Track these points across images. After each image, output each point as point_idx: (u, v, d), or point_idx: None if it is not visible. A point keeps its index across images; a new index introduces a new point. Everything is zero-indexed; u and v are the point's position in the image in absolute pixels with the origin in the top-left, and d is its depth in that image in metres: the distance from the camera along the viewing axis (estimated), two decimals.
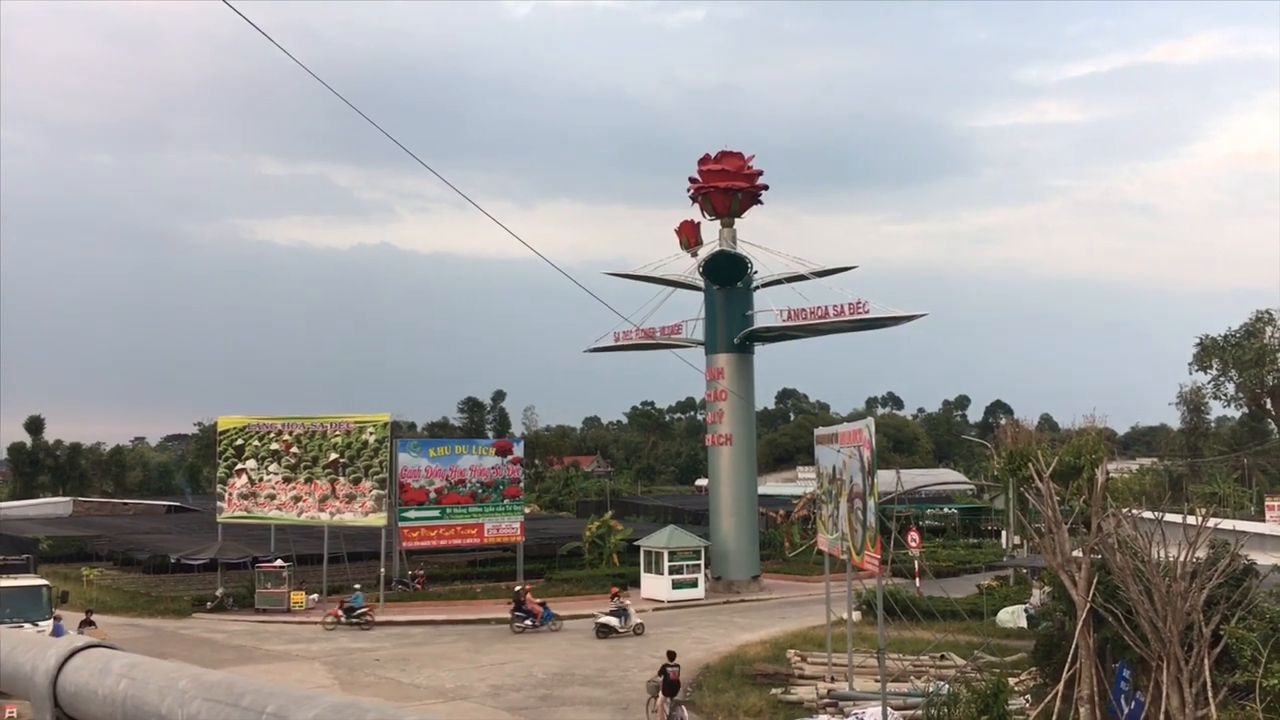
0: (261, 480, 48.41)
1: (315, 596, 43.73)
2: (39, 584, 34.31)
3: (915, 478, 74.97)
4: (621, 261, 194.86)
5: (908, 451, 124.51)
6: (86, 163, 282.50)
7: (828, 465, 29.68)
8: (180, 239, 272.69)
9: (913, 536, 46.20)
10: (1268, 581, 20.93)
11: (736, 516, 49.74)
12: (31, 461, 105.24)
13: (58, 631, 28.29)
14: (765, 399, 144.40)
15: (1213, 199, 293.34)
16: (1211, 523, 21.05)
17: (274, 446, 48.31)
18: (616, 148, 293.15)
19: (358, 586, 41.91)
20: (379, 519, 46.13)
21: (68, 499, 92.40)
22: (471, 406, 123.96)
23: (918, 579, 43.20)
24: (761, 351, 52.91)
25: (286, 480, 47.91)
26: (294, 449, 47.92)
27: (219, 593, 44.16)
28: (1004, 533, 60.83)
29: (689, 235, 52.11)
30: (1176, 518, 22.50)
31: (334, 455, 47.12)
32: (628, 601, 39.44)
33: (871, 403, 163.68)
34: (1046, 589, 31.34)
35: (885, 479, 42.32)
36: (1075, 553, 20.93)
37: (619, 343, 54.23)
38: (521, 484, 52.54)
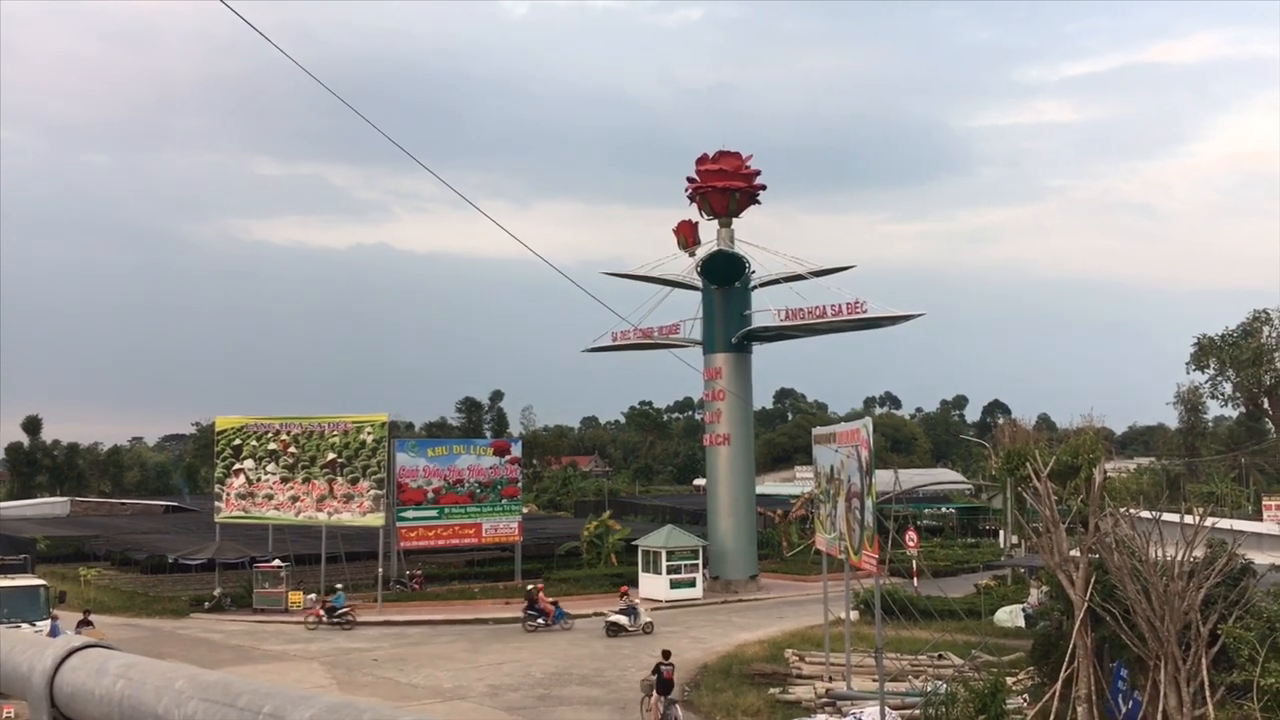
0: (259, 480, 48.40)
1: (313, 596, 43.69)
2: (36, 584, 34.33)
3: (913, 477, 74.99)
4: (619, 261, 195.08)
5: (906, 451, 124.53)
6: (83, 162, 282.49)
7: (825, 465, 29.69)
8: (177, 239, 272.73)
9: (910, 536, 46.20)
10: (1265, 581, 20.94)
11: (734, 516, 49.75)
12: (29, 461, 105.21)
13: (54, 632, 28.27)
14: (763, 398, 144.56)
15: (1210, 199, 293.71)
16: (1209, 522, 21.07)
17: (272, 446, 48.29)
18: (614, 147, 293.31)
19: (339, 586, 41.84)
20: (377, 519, 46.12)
21: (65, 499, 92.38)
22: (469, 406, 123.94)
23: (915, 578, 43.22)
24: (759, 351, 52.99)
25: (284, 480, 47.90)
26: (292, 449, 47.90)
27: (216, 593, 44.13)
28: (1002, 532, 60.88)
29: (687, 235, 52.12)
30: (1174, 517, 22.52)
31: (332, 455, 47.10)
32: (637, 600, 39.52)
33: (869, 402, 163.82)
34: (1044, 588, 31.38)
35: (883, 478, 42.29)
36: (1073, 552, 20.95)
37: (617, 342, 54.24)
38: (519, 484, 52.57)
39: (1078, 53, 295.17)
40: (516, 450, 52.93)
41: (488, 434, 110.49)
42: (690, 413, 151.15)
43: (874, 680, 25.14)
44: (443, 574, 51.03)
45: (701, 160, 52.01)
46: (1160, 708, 18.55)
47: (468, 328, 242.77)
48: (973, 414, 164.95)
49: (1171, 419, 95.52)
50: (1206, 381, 65.32)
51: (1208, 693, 18.17)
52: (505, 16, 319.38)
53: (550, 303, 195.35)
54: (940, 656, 30.58)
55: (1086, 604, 19.85)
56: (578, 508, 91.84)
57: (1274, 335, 61.30)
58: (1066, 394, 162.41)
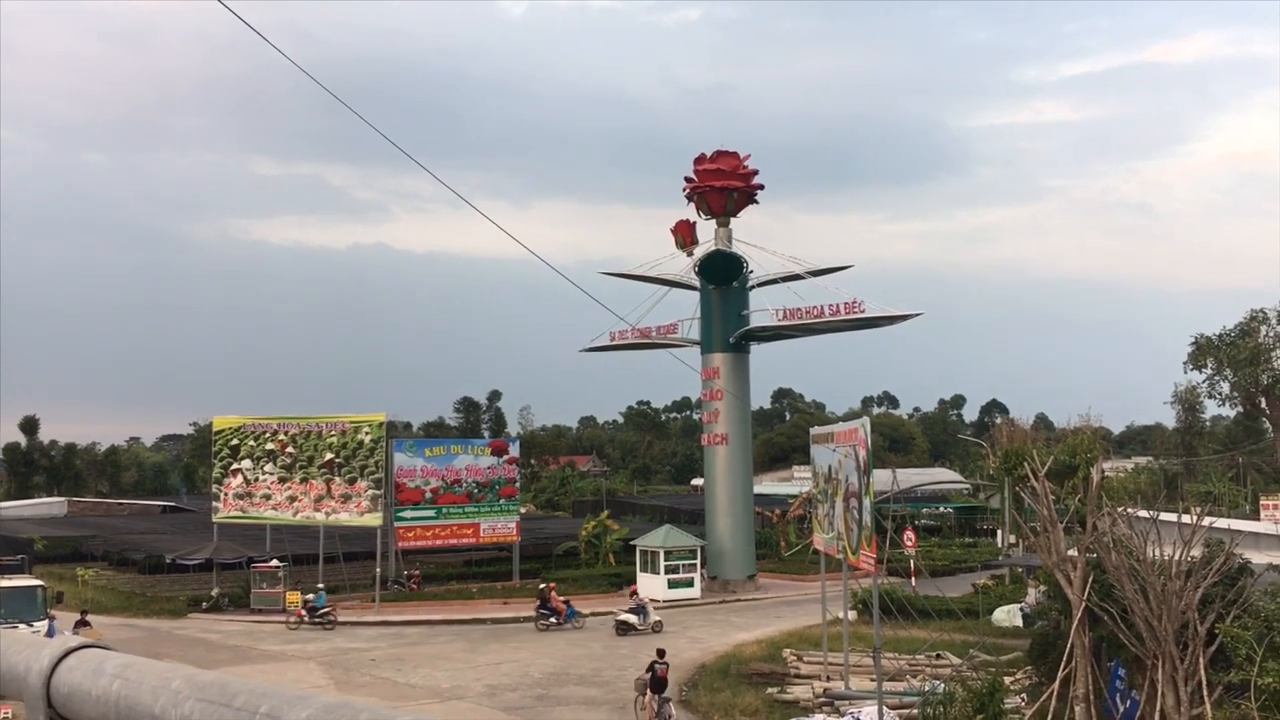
0: (257, 480, 48.36)
1: (311, 597, 43.65)
2: (34, 584, 34.32)
3: (911, 477, 74.96)
4: (618, 261, 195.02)
5: (903, 451, 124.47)
6: (82, 162, 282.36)
7: (823, 464, 29.69)
8: (176, 239, 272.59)
9: (908, 536, 46.24)
10: (1262, 580, 20.96)
11: (732, 516, 49.75)
12: (26, 461, 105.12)
13: (51, 632, 28.25)
14: (761, 398, 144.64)
15: (1209, 198, 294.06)
16: (1206, 522, 21.08)
17: (269, 446, 48.26)
18: (613, 147, 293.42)
19: (320, 586, 41.78)
20: (374, 519, 46.10)
21: (63, 499, 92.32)
22: (467, 406, 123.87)
23: (913, 578, 43.24)
24: (757, 351, 52.98)
25: (282, 480, 47.86)
26: (289, 449, 47.87)
27: (214, 593, 44.10)
28: (999, 532, 60.87)
29: (684, 235, 52.11)
30: (1171, 517, 22.54)
31: (329, 455, 47.07)
32: (647, 599, 39.63)
33: (867, 402, 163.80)
34: (1042, 588, 31.37)
35: (881, 478, 42.29)
36: (1070, 552, 20.96)
37: (615, 342, 54.23)
38: (517, 484, 52.58)
39: (1076, 52, 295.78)
40: (514, 450, 52.93)
41: (485, 434, 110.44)
42: (688, 412, 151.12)
43: (872, 680, 25.14)
44: (441, 574, 51.01)
45: (699, 160, 52.01)
46: (1158, 707, 18.56)
47: (466, 327, 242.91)
48: (970, 414, 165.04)
49: (1169, 419, 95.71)
50: (1204, 381, 65.33)
51: (1205, 692, 18.18)
52: (504, 16, 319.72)
53: (548, 303, 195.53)
54: (938, 656, 30.59)
55: (1084, 603, 19.86)
56: (576, 508, 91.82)
57: (1271, 335, 61.35)
58: (1064, 393, 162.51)
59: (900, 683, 27.61)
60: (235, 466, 48.88)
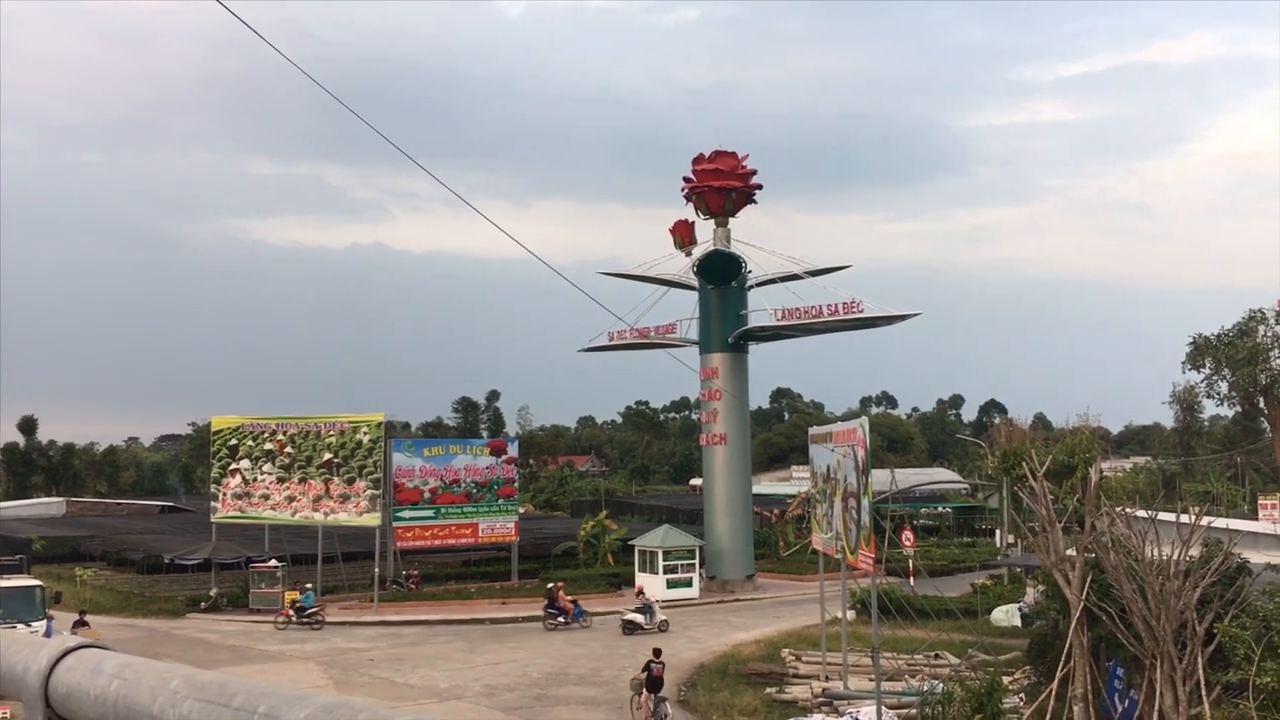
0: (255, 480, 48.34)
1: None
2: (32, 584, 34.30)
3: (909, 477, 74.96)
4: (616, 261, 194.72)
5: (902, 451, 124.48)
6: (80, 162, 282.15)
7: (822, 464, 29.70)
8: (174, 239, 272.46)
9: (907, 535, 46.22)
10: (1261, 580, 20.98)
11: (731, 516, 49.76)
12: (25, 462, 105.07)
13: (48, 632, 28.23)
14: (759, 398, 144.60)
15: (1207, 198, 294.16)
16: (1205, 521, 21.09)
17: (268, 446, 48.24)
18: (612, 147, 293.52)
19: (309, 586, 41.75)
20: (373, 519, 46.08)
21: (61, 499, 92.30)
22: (466, 406, 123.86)
23: (912, 578, 43.25)
24: (756, 351, 53.00)
25: (280, 480, 47.85)
26: (288, 449, 47.85)
27: (213, 593, 44.08)
28: (998, 532, 60.88)
29: (683, 235, 52.12)
30: (1170, 516, 22.53)
31: (328, 455, 47.06)
32: (653, 599, 39.72)
33: (865, 402, 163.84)
34: (1040, 588, 31.37)
35: (879, 478, 42.31)
36: (1069, 552, 20.96)
37: (613, 342, 54.23)
38: (516, 484, 52.56)
39: (1074, 52, 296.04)
40: (513, 450, 52.93)
41: (484, 434, 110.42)
42: (687, 412, 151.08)
43: (870, 680, 25.15)
44: (439, 574, 51.01)
45: (698, 160, 52.02)
46: (1156, 706, 18.57)
47: (464, 327, 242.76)
48: (969, 413, 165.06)
49: (1167, 418, 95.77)
50: (1202, 381, 65.14)
51: (1204, 691, 18.19)
52: (502, 16, 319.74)
53: (547, 303, 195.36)
54: (937, 656, 30.60)
55: (1083, 603, 19.87)
56: (574, 508, 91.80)
57: (1270, 335, 61.37)
58: (1063, 393, 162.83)
59: (899, 682, 27.61)
60: (234, 466, 48.87)
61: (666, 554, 46.33)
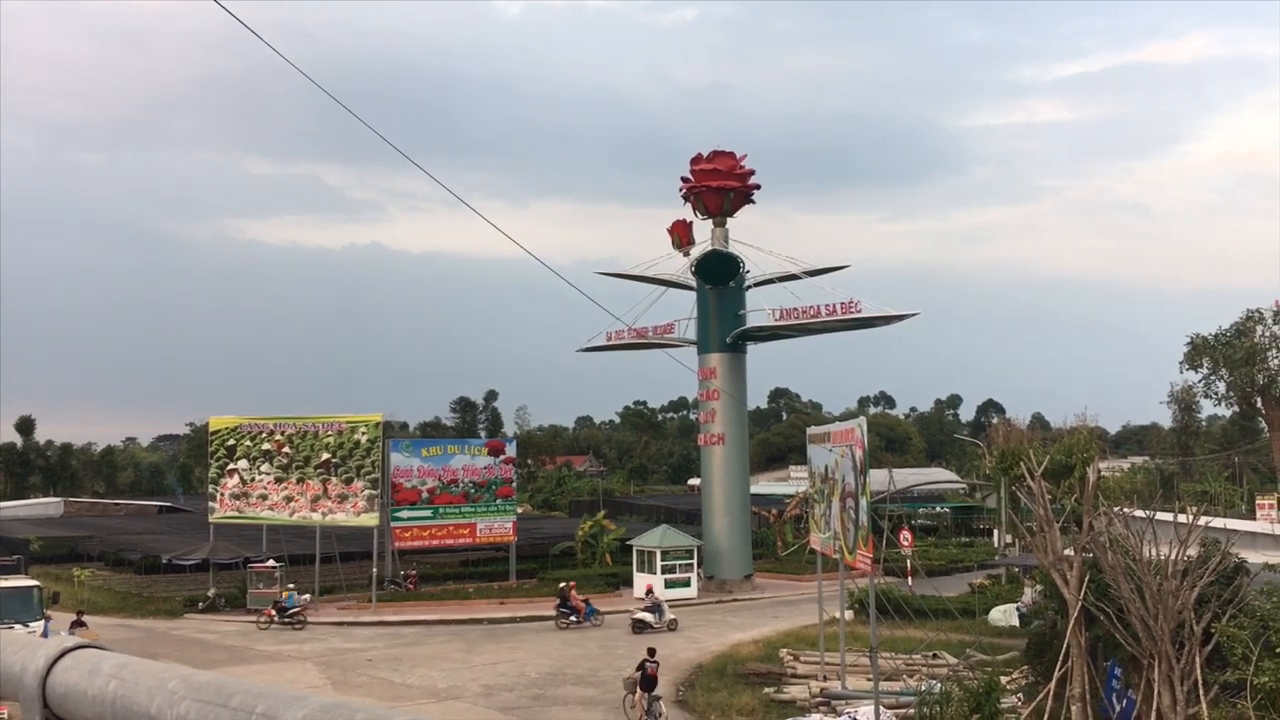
0: (253, 480, 48.31)
1: (307, 597, 43.62)
2: (30, 585, 34.24)
3: (907, 477, 75.03)
4: (614, 261, 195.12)
5: (900, 450, 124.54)
6: (79, 162, 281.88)
7: (820, 464, 29.70)
8: (172, 239, 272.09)
9: (905, 535, 46.26)
10: (1258, 579, 21.00)
11: (729, 516, 49.76)
12: (22, 462, 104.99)
13: (46, 633, 28.22)
14: (757, 398, 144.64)
15: (1205, 198, 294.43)
16: (1202, 521, 21.11)
17: (266, 447, 48.22)
18: (610, 147, 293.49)
19: (291, 586, 41.74)
20: (371, 519, 46.07)
21: (59, 499, 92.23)
22: (464, 406, 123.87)
23: (910, 578, 43.26)
24: (754, 351, 53.00)
25: (278, 480, 47.82)
26: (286, 449, 47.82)
27: (211, 593, 44.06)
28: (996, 531, 60.92)
29: (681, 234, 52.11)
30: (1168, 516, 22.56)
31: (326, 455, 47.04)
32: (663, 598, 39.79)
33: (863, 402, 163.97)
34: (1038, 587, 31.40)
35: (877, 478, 42.35)
36: (1067, 551, 20.98)
37: (611, 342, 54.21)
38: (514, 484, 52.54)
39: (1072, 52, 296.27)
40: (511, 450, 52.93)
41: (482, 434, 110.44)
42: (685, 412, 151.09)
43: (869, 679, 25.16)
44: (437, 574, 50.99)
45: (696, 160, 52.02)
46: (1154, 706, 18.58)
47: (462, 327, 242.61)
48: (967, 413, 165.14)
49: (1165, 418, 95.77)
50: (1200, 381, 65.44)
51: (1201, 691, 18.21)
52: (500, 16, 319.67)
53: (545, 303, 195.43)
54: (935, 656, 30.61)
55: (1080, 603, 19.88)
56: (572, 508, 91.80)
57: (1267, 335, 61.45)
58: (1060, 393, 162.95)
59: (897, 682, 27.62)
60: (231, 467, 48.83)
61: (664, 554, 46.33)
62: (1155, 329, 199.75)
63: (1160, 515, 22.37)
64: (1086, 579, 20.04)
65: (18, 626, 28.51)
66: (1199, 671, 18.29)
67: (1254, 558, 28.58)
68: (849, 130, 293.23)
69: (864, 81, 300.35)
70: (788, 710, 25.91)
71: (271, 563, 44.32)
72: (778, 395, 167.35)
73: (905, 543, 45.43)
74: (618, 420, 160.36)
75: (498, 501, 49.84)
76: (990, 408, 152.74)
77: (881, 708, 22.68)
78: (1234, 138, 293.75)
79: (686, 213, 52.49)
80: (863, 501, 25.03)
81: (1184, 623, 18.49)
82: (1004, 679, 24.73)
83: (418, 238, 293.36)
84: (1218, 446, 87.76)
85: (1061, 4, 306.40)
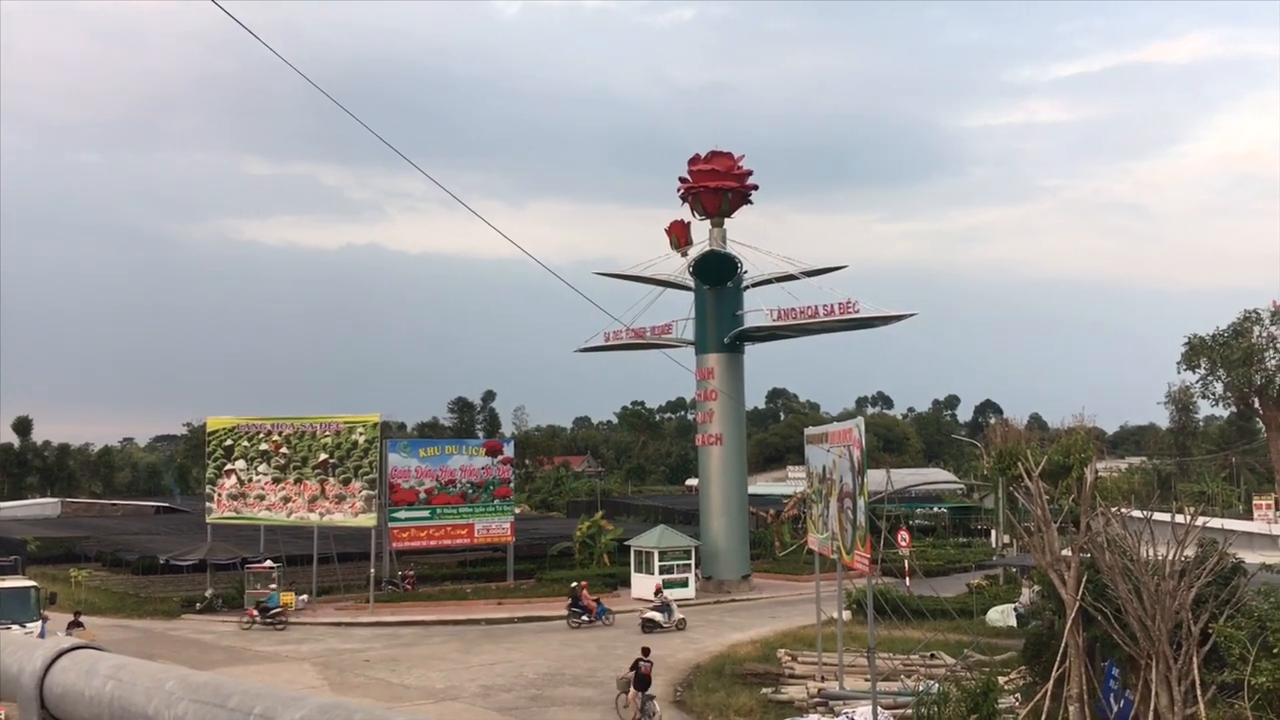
0: (251, 481, 48.28)
1: (305, 597, 43.62)
2: (27, 585, 34.19)
3: (905, 477, 75.05)
4: (612, 261, 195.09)
5: (897, 451, 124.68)
6: (79, 162, 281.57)
7: (818, 465, 29.71)
8: (170, 239, 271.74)
9: (903, 536, 46.29)
10: (1256, 580, 21.02)
11: (727, 516, 49.76)
12: (19, 462, 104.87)
13: (43, 633, 28.18)
14: (755, 398, 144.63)
15: (1203, 199, 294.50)
16: (1200, 521, 21.13)
17: (263, 447, 48.18)
18: (608, 147, 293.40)
19: (273, 587, 41.73)
20: (369, 519, 46.04)
21: (56, 500, 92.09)
22: (461, 407, 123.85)
23: (908, 578, 43.28)
24: (751, 351, 53.01)
25: (276, 481, 47.79)
26: (283, 449, 47.79)
27: (208, 594, 44.03)
28: (993, 532, 60.97)
29: (679, 235, 52.13)
30: (1165, 516, 22.57)
31: (323, 456, 47.01)
32: (672, 598, 39.91)
33: (861, 402, 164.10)
34: (1036, 588, 31.43)
35: (875, 478, 42.35)
36: (1064, 552, 20.99)
37: (609, 343, 54.22)
38: (512, 484, 52.52)
39: (1069, 53, 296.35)
40: (509, 450, 52.90)
41: (480, 434, 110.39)
42: (683, 413, 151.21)
43: (866, 680, 25.17)
44: (435, 574, 50.98)
45: (694, 160, 52.03)
46: (1152, 706, 18.59)
47: (460, 328, 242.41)
48: (964, 414, 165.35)
49: (1162, 419, 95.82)
50: (1197, 381, 65.46)
51: (1199, 691, 18.22)
52: (498, 16, 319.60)
53: (543, 303, 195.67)
54: (932, 656, 30.63)
55: (1078, 603, 19.89)
56: (570, 508, 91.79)
57: (1265, 335, 61.49)
58: (1058, 394, 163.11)
59: (895, 683, 27.63)
60: (229, 467, 48.81)
61: (662, 554, 46.32)
62: (1153, 329, 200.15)
63: (1158, 516, 22.40)
64: (1084, 579, 20.05)
65: (15, 627, 28.46)
66: (1196, 672, 18.30)
67: (1251, 558, 28.62)
68: (847, 130, 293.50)
69: (861, 82, 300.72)
70: (785, 710, 25.91)
71: (269, 563, 44.28)
72: (775, 395, 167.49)
73: (903, 543, 45.46)
74: (615, 420, 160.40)
75: (495, 502, 49.82)
76: (988, 408, 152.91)
77: (879, 708, 22.69)
78: (1232, 138, 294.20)
79: (684, 213, 52.53)
80: (860, 502, 25.04)
81: (1181, 623, 18.50)
82: (1002, 679, 24.74)
83: (416, 238, 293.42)
84: (1215, 447, 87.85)
85: (1060, 4, 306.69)
